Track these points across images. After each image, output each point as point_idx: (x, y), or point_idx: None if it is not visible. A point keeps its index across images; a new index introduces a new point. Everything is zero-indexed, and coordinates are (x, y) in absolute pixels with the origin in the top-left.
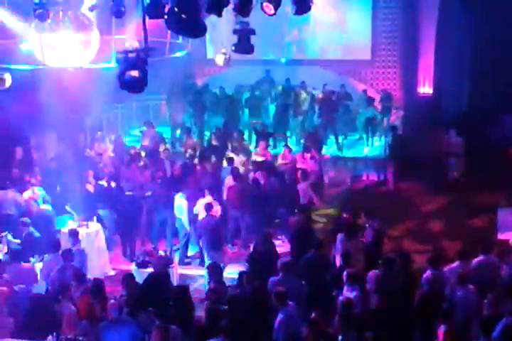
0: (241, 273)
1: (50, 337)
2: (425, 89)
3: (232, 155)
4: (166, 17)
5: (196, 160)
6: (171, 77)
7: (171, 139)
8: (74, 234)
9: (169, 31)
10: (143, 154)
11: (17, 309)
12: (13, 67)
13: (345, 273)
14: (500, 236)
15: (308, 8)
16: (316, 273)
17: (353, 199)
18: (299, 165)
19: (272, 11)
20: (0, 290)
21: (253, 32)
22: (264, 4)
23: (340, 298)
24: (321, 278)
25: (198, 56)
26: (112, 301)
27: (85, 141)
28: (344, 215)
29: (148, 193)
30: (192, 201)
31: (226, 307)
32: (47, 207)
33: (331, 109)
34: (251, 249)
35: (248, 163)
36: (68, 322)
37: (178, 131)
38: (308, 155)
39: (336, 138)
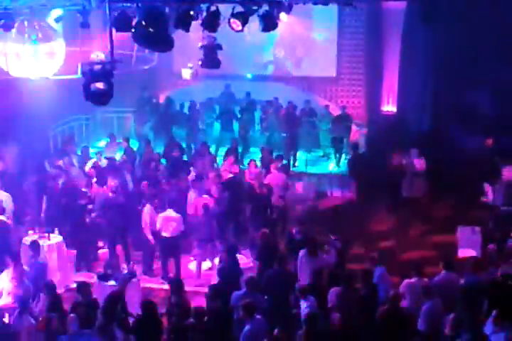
0: (210, 287)
1: None
2: (389, 107)
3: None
4: (133, 30)
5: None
6: (137, 90)
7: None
8: (35, 246)
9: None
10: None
11: None
12: None
13: (296, 287)
14: (461, 254)
15: (275, 25)
16: (278, 289)
17: (316, 215)
18: (266, 180)
19: (240, 28)
20: None
21: (220, 47)
22: (232, 20)
23: (302, 311)
24: (283, 294)
25: (164, 69)
26: (72, 315)
27: (48, 152)
28: (306, 232)
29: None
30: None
31: (191, 320)
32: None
33: (293, 124)
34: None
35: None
36: (27, 335)
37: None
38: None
39: (294, 155)
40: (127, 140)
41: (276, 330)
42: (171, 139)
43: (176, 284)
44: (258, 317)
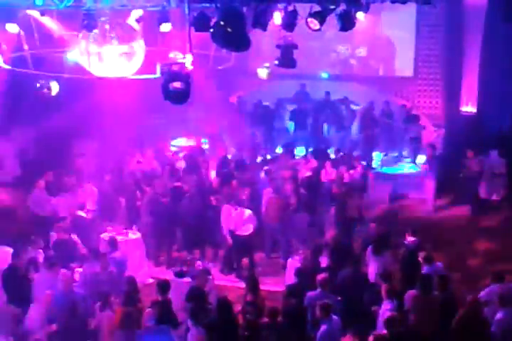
0: (288, 286)
1: None
2: (468, 107)
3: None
4: (211, 30)
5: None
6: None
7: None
8: (113, 242)
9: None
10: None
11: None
12: (59, 75)
13: (382, 288)
14: None
15: (353, 25)
16: (353, 290)
17: (391, 216)
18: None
19: (317, 27)
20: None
21: (296, 46)
22: (309, 20)
23: (380, 312)
24: (357, 295)
25: (240, 69)
26: (149, 310)
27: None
28: (377, 230)
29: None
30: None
31: (265, 319)
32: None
33: (371, 125)
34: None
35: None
36: (107, 330)
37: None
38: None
39: (371, 156)
40: (203, 139)
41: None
42: (247, 138)
43: (252, 282)
44: (335, 317)
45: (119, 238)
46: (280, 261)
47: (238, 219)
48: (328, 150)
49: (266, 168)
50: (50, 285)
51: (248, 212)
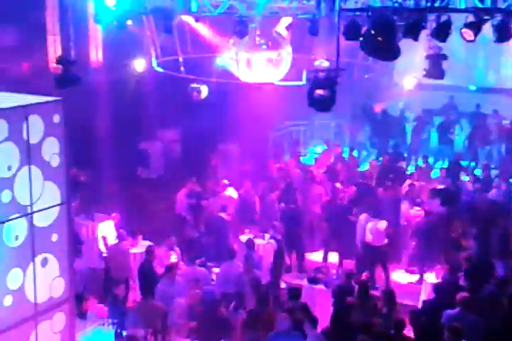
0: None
1: None
2: None
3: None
4: (360, 39)
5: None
6: (356, 98)
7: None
8: (250, 244)
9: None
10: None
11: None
12: (209, 80)
13: None
14: None
15: (510, 36)
16: (495, 311)
17: None
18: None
19: (471, 38)
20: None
21: (445, 57)
22: (463, 30)
23: None
24: (500, 316)
25: (384, 79)
26: (283, 314)
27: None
28: None
29: None
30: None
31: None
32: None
33: None
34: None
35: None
36: (241, 329)
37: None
38: None
39: None
40: (342, 147)
41: None
42: (392, 148)
43: (388, 295)
44: None
45: (256, 241)
46: (416, 274)
47: (373, 229)
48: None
49: (409, 181)
50: (187, 283)
51: (384, 223)
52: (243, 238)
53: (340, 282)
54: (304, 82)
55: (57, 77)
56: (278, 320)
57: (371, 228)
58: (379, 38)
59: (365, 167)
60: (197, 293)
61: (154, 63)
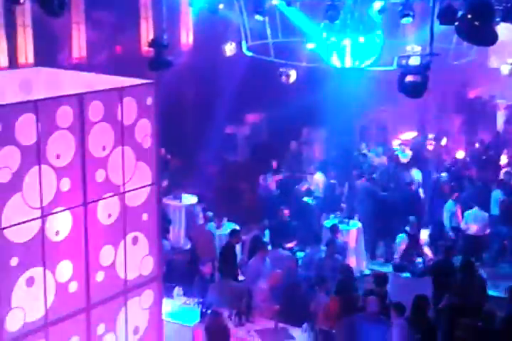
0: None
1: (305, 325)
2: None
3: None
4: (456, 23)
5: None
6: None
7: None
8: (334, 229)
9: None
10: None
11: (278, 294)
12: (297, 64)
13: None
14: None
15: None
16: None
17: None
18: None
19: None
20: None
21: None
22: None
23: None
24: None
25: (478, 65)
26: (372, 297)
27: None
28: None
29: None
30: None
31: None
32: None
33: None
34: None
35: None
36: (323, 313)
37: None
38: None
39: None
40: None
41: None
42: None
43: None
44: None
45: (340, 226)
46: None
47: (470, 218)
48: None
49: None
50: (271, 266)
51: (475, 211)
52: (328, 223)
53: (438, 258)
54: (394, 67)
55: (150, 60)
56: (368, 302)
57: (468, 217)
58: (476, 23)
59: (456, 154)
60: (278, 274)
61: (244, 47)
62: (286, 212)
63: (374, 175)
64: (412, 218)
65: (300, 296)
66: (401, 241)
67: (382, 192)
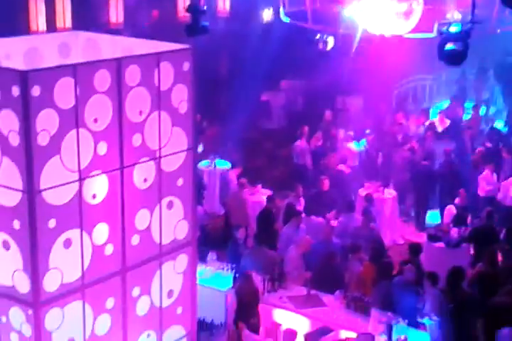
0: None
1: (337, 292)
2: None
3: None
4: None
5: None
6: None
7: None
8: (369, 198)
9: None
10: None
11: (311, 262)
12: (335, 31)
13: None
14: None
15: None
16: None
17: None
18: None
19: None
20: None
21: None
22: None
23: None
24: None
25: None
26: (409, 265)
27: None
28: None
29: None
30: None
31: None
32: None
33: None
34: None
35: None
36: (356, 281)
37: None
38: None
39: None
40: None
41: None
42: None
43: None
44: None
45: (375, 195)
46: None
47: (505, 188)
48: None
49: None
50: (305, 233)
51: None
52: (362, 192)
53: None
54: (434, 34)
55: (187, 25)
56: (405, 271)
57: (503, 188)
58: None
59: (493, 124)
60: (307, 241)
61: (282, 13)
62: (326, 181)
63: (410, 145)
64: (461, 190)
65: (334, 264)
66: (447, 212)
67: (419, 162)
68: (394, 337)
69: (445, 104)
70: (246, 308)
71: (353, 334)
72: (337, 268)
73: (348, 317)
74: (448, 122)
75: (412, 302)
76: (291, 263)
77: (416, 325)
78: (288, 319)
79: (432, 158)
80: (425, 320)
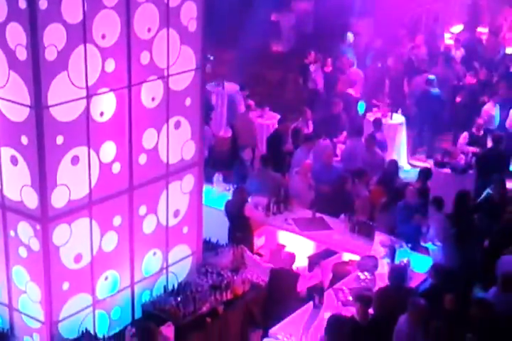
0: None
1: (342, 216)
2: None
3: None
4: None
5: None
6: None
7: None
8: (377, 123)
9: None
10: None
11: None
12: None
13: None
14: None
15: None
16: None
17: None
18: None
19: None
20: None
21: None
22: None
23: None
24: None
25: None
26: (410, 188)
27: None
28: None
29: None
30: None
31: None
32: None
33: None
34: None
35: None
36: (361, 205)
37: None
38: None
39: None
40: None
41: None
42: None
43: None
44: None
45: (383, 120)
46: None
47: None
48: None
49: None
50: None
51: None
52: (371, 116)
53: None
54: None
55: None
56: (407, 194)
57: None
58: None
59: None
60: (307, 164)
61: None
62: (339, 104)
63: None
64: (479, 120)
65: (342, 188)
66: (462, 139)
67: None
68: (397, 260)
69: (459, 27)
70: (233, 220)
71: (356, 257)
72: (343, 192)
73: (352, 240)
74: (462, 50)
75: (414, 226)
76: (296, 186)
77: (419, 249)
78: (292, 241)
79: (446, 84)
80: (428, 245)
